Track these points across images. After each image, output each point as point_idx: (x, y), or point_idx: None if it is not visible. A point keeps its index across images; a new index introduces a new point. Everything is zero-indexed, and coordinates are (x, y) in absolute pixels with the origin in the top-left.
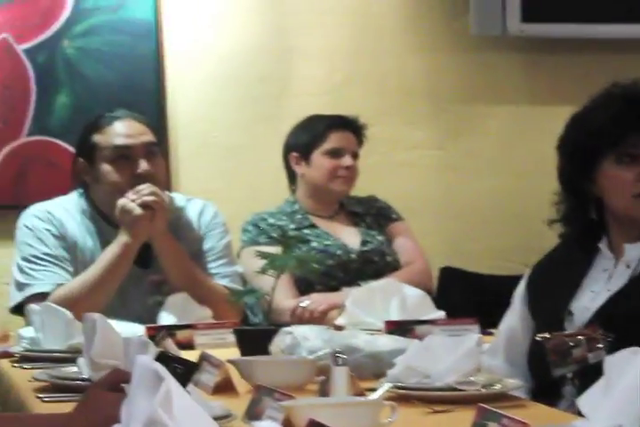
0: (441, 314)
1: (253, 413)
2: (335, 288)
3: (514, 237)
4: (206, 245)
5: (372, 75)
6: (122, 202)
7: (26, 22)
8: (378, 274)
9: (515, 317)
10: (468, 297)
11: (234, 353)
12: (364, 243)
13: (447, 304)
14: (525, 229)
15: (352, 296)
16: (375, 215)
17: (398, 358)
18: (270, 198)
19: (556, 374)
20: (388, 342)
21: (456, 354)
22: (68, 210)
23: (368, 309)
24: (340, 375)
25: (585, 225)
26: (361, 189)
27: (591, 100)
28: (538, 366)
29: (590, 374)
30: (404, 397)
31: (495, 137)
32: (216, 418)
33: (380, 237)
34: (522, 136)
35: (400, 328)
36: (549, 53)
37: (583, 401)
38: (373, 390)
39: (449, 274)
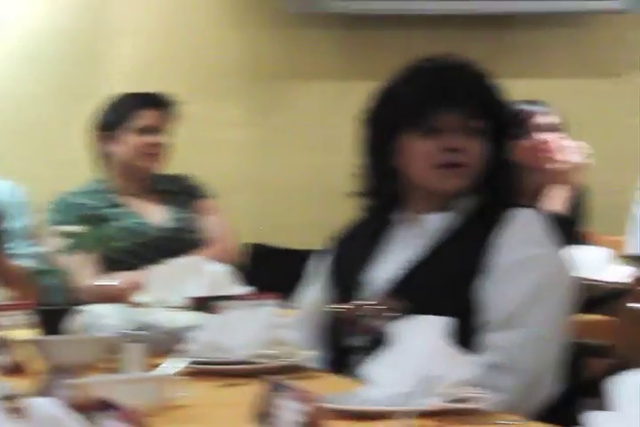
0: (246, 290)
1: (43, 391)
2: (142, 266)
3: (329, 212)
4: (8, 226)
5: (187, 52)
6: None
7: None
8: (186, 251)
9: (315, 289)
10: (281, 272)
11: (32, 334)
12: (172, 221)
13: (259, 280)
14: (340, 203)
15: (155, 273)
16: (185, 193)
17: (196, 333)
18: (80, 178)
19: (348, 344)
20: (186, 318)
21: (252, 327)
22: None
23: (171, 286)
24: (134, 352)
25: (386, 197)
26: (175, 166)
27: (398, 73)
28: (332, 336)
29: (382, 342)
30: (201, 371)
31: (311, 113)
32: (3, 398)
33: (188, 215)
34: (339, 112)
35: (203, 304)
36: (366, 30)
37: (370, 369)
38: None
39: (259, 250)
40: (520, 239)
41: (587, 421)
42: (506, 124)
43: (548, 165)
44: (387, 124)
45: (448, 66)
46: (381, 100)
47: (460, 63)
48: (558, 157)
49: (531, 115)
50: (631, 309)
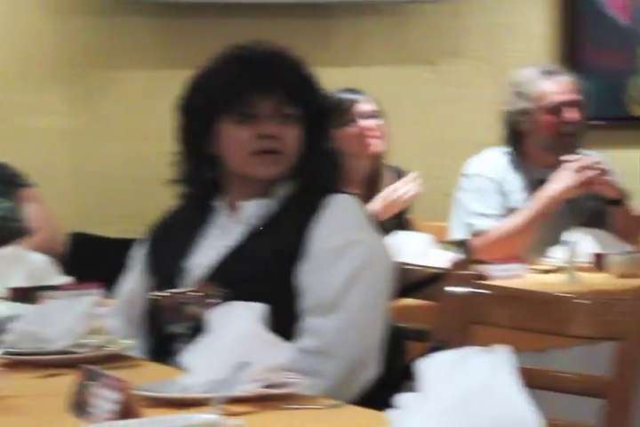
0: (67, 280)
1: None
2: None
3: (151, 201)
4: None
5: (2, 39)
6: None
7: None
8: (7, 241)
9: (133, 278)
10: (100, 262)
11: None
12: None
13: (79, 270)
14: (162, 192)
15: None
16: (4, 182)
17: (15, 323)
18: None
19: (169, 331)
20: (4, 309)
21: (70, 317)
22: None
23: None
24: None
25: (204, 184)
26: None
27: (211, 61)
28: (153, 324)
29: (202, 329)
30: (19, 362)
31: (131, 102)
32: None
33: (7, 204)
34: (158, 101)
35: (23, 295)
36: (184, 18)
37: (188, 356)
38: None
39: (80, 240)
40: (337, 225)
41: (397, 403)
42: (323, 111)
43: (372, 150)
44: (201, 111)
45: (260, 53)
46: (194, 87)
47: (273, 51)
48: (382, 141)
49: (352, 103)
50: (449, 293)
